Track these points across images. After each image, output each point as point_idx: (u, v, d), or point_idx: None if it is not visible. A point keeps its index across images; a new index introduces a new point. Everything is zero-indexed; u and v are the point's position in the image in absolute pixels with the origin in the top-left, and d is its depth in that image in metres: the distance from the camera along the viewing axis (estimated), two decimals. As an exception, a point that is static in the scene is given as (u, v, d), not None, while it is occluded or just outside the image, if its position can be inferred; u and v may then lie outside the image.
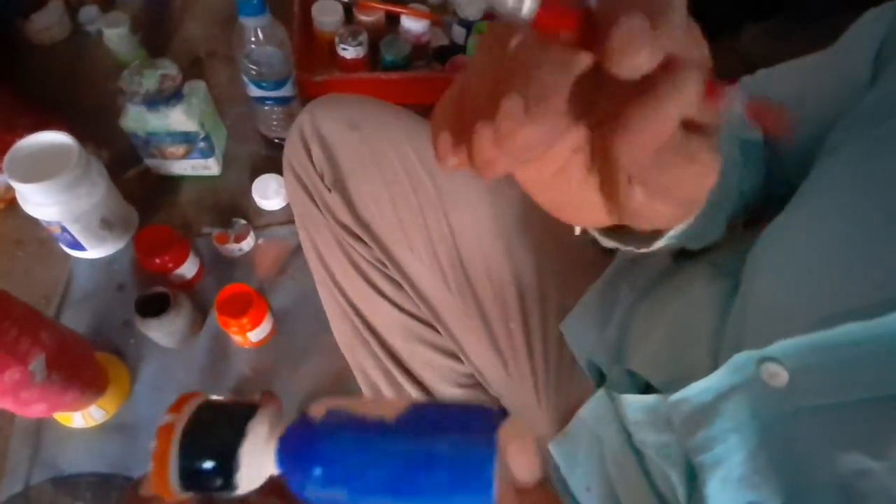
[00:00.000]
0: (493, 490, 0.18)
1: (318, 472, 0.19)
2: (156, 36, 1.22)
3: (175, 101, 0.87)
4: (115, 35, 1.12)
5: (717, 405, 0.32)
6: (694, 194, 0.23)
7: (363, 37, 1.05)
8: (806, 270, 0.31)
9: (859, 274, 0.28)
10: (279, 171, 0.80)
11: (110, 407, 0.81)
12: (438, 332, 0.59)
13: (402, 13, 1.09)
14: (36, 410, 0.65)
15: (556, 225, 0.65)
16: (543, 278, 0.56)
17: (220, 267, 0.95)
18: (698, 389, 0.33)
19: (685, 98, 0.19)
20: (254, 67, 0.88)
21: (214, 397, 0.23)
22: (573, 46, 0.19)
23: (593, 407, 0.45)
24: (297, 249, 0.97)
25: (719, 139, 0.22)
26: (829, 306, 0.28)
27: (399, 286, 0.59)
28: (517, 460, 0.19)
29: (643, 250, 0.34)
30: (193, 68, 1.18)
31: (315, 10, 1.10)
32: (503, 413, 0.20)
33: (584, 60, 0.19)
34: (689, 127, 0.21)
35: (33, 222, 0.86)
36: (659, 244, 0.33)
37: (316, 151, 0.58)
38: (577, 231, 0.41)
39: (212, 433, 0.20)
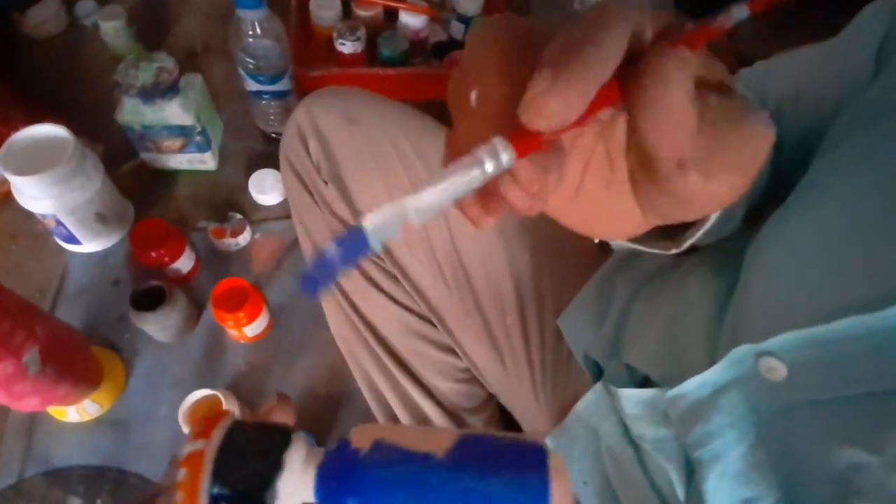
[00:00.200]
0: None
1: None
2: (152, 30, 1.22)
3: (171, 95, 0.87)
4: (112, 28, 1.11)
5: (714, 400, 0.32)
6: (753, 160, 0.22)
7: (361, 32, 1.05)
8: (805, 265, 0.31)
9: (859, 269, 0.28)
10: (276, 166, 0.80)
11: (105, 401, 0.81)
12: (435, 327, 0.59)
13: (400, 8, 1.09)
14: (29, 404, 0.64)
15: (553, 222, 0.65)
16: (540, 274, 0.56)
17: (217, 262, 0.95)
18: (696, 384, 0.33)
19: (677, 64, 0.19)
20: (251, 61, 0.87)
21: (240, 419, 0.21)
22: None
23: (590, 401, 0.44)
24: (294, 244, 0.97)
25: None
26: (828, 301, 0.28)
27: (396, 281, 0.59)
28: (555, 499, 0.19)
29: (674, 251, 0.34)
30: (190, 62, 1.18)
31: (313, 4, 1.10)
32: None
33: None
34: (717, 89, 0.20)
35: (28, 216, 0.86)
36: (691, 241, 0.33)
37: (313, 145, 0.58)
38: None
39: (246, 463, 0.19)
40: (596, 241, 0.39)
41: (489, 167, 0.19)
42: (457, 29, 1.12)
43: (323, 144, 0.57)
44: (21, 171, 0.75)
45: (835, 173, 0.32)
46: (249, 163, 1.05)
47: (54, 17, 1.18)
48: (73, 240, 0.90)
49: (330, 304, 0.64)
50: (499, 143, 0.19)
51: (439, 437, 0.19)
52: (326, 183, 0.58)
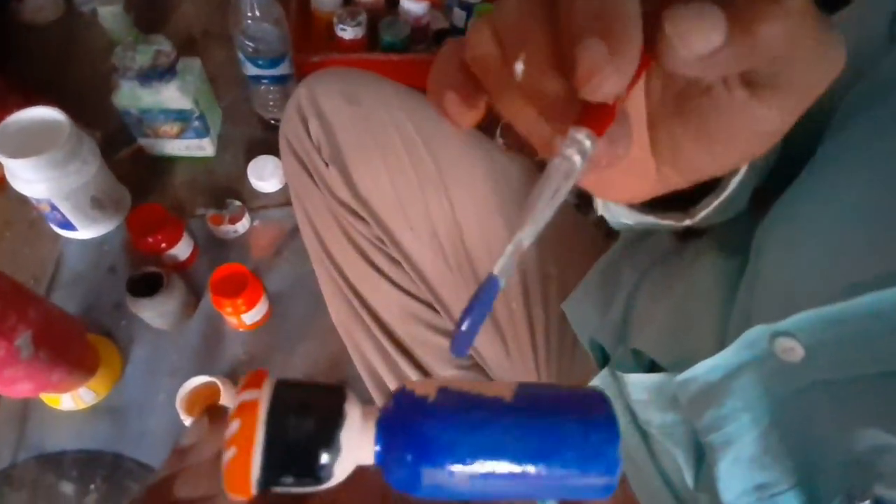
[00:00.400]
0: (619, 469, 0.16)
1: (432, 452, 0.16)
2: (150, 15, 1.20)
3: (169, 78, 0.85)
4: (109, 13, 1.10)
5: (727, 383, 0.31)
6: (816, 83, 0.21)
7: (362, 17, 1.03)
8: (819, 242, 0.30)
9: (875, 244, 0.27)
10: (275, 153, 0.79)
11: (101, 389, 0.80)
12: (437, 311, 0.58)
13: (402, -6, 1.07)
14: (22, 390, 0.63)
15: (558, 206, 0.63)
16: (545, 258, 0.55)
17: (215, 249, 0.94)
18: (706, 368, 0.31)
19: None
20: (250, 44, 0.86)
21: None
22: None
23: (596, 386, 0.43)
24: (294, 232, 0.95)
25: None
26: (844, 278, 0.27)
27: (398, 264, 0.58)
28: None
29: (687, 222, 0.32)
30: (189, 48, 1.16)
31: (314, -11, 1.08)
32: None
33: None
34: None
35: (23, 202, 0.85)
36: (706, 211, 0.31)
37: (313, 125, 0.57)
38: (599, 210, 0.40)
39: (304, 414, 0.17)
40: (599, 211, 0.37)
41: (578, 161, 0.18)
42: (458, 16, 1.11)
43: (324, 125, 0.56)
44: (16, 154, 0.74)
45: (849, 147, 0.31)
46: (248, 149, 1.03)
47: (52, 4, 1.17)
48: (68, 226, 0.88)
49: (330, 290, 0.63)
50: (579, 133, 0.18)
51: (498, 385, 0.18)
52: (327, 164, 0.57)
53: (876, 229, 0.27)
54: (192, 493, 0.17)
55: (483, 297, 0.18)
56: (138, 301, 0.75)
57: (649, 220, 0.33)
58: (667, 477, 0.38)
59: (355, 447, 0.17)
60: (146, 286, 0.76)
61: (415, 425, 0.17)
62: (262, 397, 0.17)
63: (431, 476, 0.16)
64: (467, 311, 0.17)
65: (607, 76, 0.17)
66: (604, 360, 0.47)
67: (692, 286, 0.40)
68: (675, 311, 0.40)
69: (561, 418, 0.17)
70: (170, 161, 1.01)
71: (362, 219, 0.57)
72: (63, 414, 0.79)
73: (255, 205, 0.98)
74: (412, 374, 0.59)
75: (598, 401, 0.18)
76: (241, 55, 0.89)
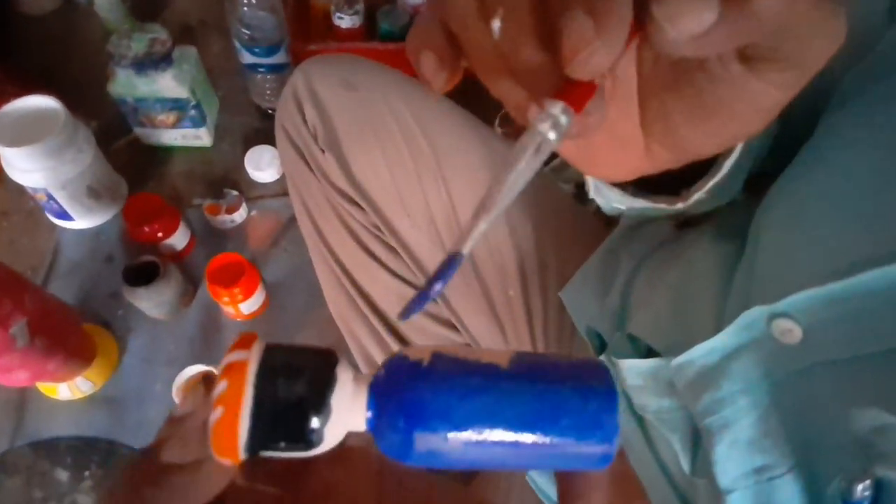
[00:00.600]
0: (617, 438, 0.16)
1: (428, 420, 0.16)
2: (147, 5, 1.19)
3: (165, 66, 0.85)
4: (106, 2, 1.09)
5: (724, 366, 0.31)
6: (817, 56, 0.20)
7: (360, 6, 1.02)
8: (818, 221, 0.29)
9: (874, 222, 0.26)
10: (273, 143, 0.78)
11: (97, 379, 0.79)
12: (435, 301, 0.57)
13: (400, -18, 1.06)
14: (18, 378, 0.63)
15: (555, 192, 0.63)
16: (542, 246, 0.55)
17: (212, 239, 0.94)
18: (704, 351, 0.31)
19: None
20: (246, 32, 0.85)
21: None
22: None
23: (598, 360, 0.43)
24: (291, 222, 0.95)
25: None
26: (842, 257, 0.27)
27: (394, 252, 0.57)
28: None
29: (679, 206, 0.32)
30: (185, 38, 1.15)
31: (311, -23, 1.07)
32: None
33: None
34: None
35: (20, 193, 0.84)
36: (699, 194, 0.31)
37: (309, 111, 0.56)
38: (591, 192, 0.39)
39: (295, 376, 0.16)
40: (590, 194, 0.36)
41: (553, 137, 0.18)
42: (458, 4, 1.10)
43: (320, 111, 0.56)
44: (11, 142, 0.74)
45: (850, 123, 0.30)
46: (246, 139, 1.03)
47: (49, -7, 1.16)
48: (64, 216, 0.88)
49: (327, 278, 0.62)
50: (554, 108, 0.17)
51: (495, 353, 0.17)
52: (323, 151, 0.56)
53: (875, 207, 0.27)
54: (180, 458, 0.17)
55: (444, 273, 0.17)
56: (135, 290, 0.75)
57: (641, 203, 0.33)
58: (663, 464, 0.38)
59: (346, 412, 0.17)
60: (143, 276, 0.76)
61: (407, 389, 0.16)
62: (252, 358, 0.16)
63: (424, 441, 0.16)
64: (431, 283, 0.17)
65: (592, 53, 0.16)
66: (601, 347, 0.47)
67: (689, 270, 0.40)
68: (671, 295, 0.40)
69: (558, 385, 0.16)
70: (166, 151, 1.01)
71: (359, 206, 0.56)
72: (60, 403, 0.78)
73: (253, 195, 0.98)
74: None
75: (598, 370, 0.17)
76: (237, 43, 0.89)
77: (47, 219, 0.92)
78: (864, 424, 0.24)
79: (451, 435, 0.16)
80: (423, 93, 0.58)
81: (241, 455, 0.16)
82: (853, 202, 0.28)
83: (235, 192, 0.93)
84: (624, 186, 0.35)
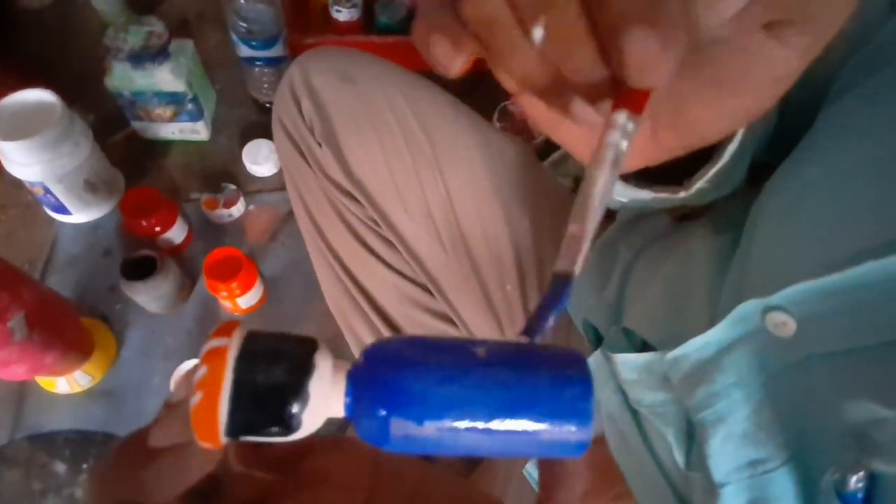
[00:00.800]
0: (592, 425, 0.16)
1: (402, 404, 0.16)
2: (144, -3, 1.19)
3: (161, 59, 0.84)
4: (102, -6, 1.08)
5: (718, 360, 0.31)
6: (833, 19, 0.19)
7: (358, -2, 1.02)
8: (812, 214, 0.29)
9: (868, 214, 0.26)
10: (271, 136, 0.78)
11: (96, 372, 0.79)
12: (432, 294, 0.58)
13: (398, -25, 1.06)
14: (16, 372, 0.63)
15: (553, 187, 0.63)
16: (540, 240, 0.55)
17: (210, 233, 0.93)
18: (698, 345, 0.31)
19: None
20: (243, 25, 0.85)
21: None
22: None
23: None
24: (289, 216, 0.95)
25: None
26: (837, 249, 0.26)
27: (392, 246, 0.57)
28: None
29: (682, 194, 0.31)
30: (182, 31, 1.15)
31: (308, -31, 1.07)
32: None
33: None
34: None
35: (17, 186, 0.84)
36: (701, 182, 0.30)
37: (306, 105, 0.56)
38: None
39: (273, 362, 0.17)
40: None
41: (625, 146, 0.18)
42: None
43: (316, 104, 0.55)
44: (8, 136, 0.73)
45: (849, 115, 0.30)
46: (243, 133, 1.03)
47: (45, -14, 1.15)
48: (62, 209, 0.88)
49: (325, 273, 0.62)
50: (621, 117, 0.18)
51: (472, 340, 0.18)
52: (320, 145, 0.56)
53: (870, 199, 0.26)
54: (165, 442, 0.17)
55: (558, 299, 0.18)
56: (132, 284, 0.75)
57: (643, 194, 0.33)
58: (658, 458, 0.38)
59: (325, 398, 0.17)
60: (140, 269, 0.76)
61: (384, 376, 0.16)
62: (232, 344, 0.17)
63: (400, 428, 0.16)
64: (542, 313, 0.18)
65: (658, 67, 0.16)
66: (597, 341, 0.47)
67: (684, 263, 0.40)
68: (666, 288, 0.39)
69: (534, 373, 0.17)
70: (164, 145, 1.00)
71: (356, 200, 0.56)
72: (59, 397, 0.79)
73: (251, 189, 0.98)
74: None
75: (574, 358, 0.17)
76: (234, 36, 0.88)
77: (45, 212, 0.91)
78: (858, 417, 0.24)
79: (428, 421, 0.16)
80: (420, 86, 0.58)
81: (222, 439, 0.16)
82: (848, 194, 0.28)
83: (233, 187, 0.93)
84: (626, 178, 0.35)
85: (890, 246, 0.23)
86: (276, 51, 0.91)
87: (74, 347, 0.73)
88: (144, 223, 0.83)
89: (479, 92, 0.73)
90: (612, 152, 0.18)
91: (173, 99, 0.90)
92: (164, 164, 1.00)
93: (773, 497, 0.28)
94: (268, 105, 1.02)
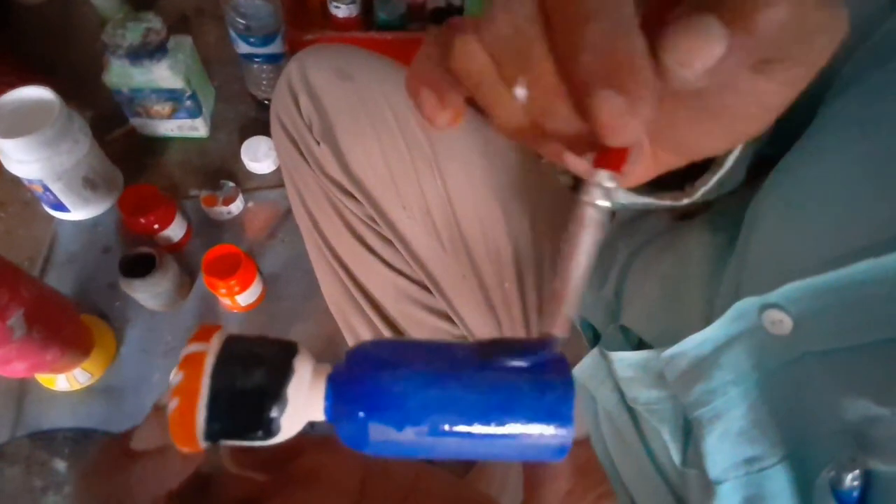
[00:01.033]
0: (573, 428, 0.16)
1: (381, 409, 0.16)
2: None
3: (160, 56, 0.84)
4: (100, -10, 1.08)
5: (715, 357, 0.31)
6: (821, 50, 0.20)
7: (357, -6, 1.02)
8: (811, 211, 0.29)
9: (867, 211, 0.26)
10: (269, 133, 0.78)
11: (96, 370, 0.80)
12: (431, 292, 0.58)
13: (397, -29, 1.05)
14: (16, 370, 0.63)
15: (552, 185, 0.63)
16: (539, 238, 0.55)
17: (209, 230, 0.93)
18: (696, 342, 0.31)
19: None
20: (241, 21, 0.84)
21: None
22: None
23: (587, 366, 0.43)
24: (288, 213, 0.95)
25: None
26: (835, 246, 0.26)
27: (391, 244, 0.57)
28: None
29: (685, 201, 0.32)
30: (181, 27, 1.14)
31: (307, -35, 1.06)
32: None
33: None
34: None
35: (16, 183, 0.84)
36: (706, 188, 0.31)
37: (304, 102, 0.56)
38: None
39: (252, 368, 0.17)
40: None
41: (607, 206, 0.18)
42: (455, -6, 1.09)
43: (314, 101, 0.55)
44: (7, 134, 0.73)
45: (849, 112, 0.30)
46: (242, 130, 1.02)
47: (43, -19, 1.15)
48: (61, 207, 0.88)
49: (323, 270, 0.62)
50: (601, 178, 0.18)
51: (454, 343, 0.18)
52: (319, 143, 0.56)
53: (867, 197, 0.26)
54: (147, 445, 0.17)
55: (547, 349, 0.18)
56: (131, 282, 0.75)
57: (646, 200, 0.33)
58: (654, 455, 0.38)
59: (304, 402, 0.17)
60: (139, 267, 0.76)
61: (362, 381, 0.17)
62: (210, 350, 0.17)
63: (379, 432, 0.16)
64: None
65: (626, 125, 0.16)
66: (595, 339, 0.47)
67: (682, 261, 0.40)
68: (663, 286, 0.39)
69: (515, 377, 0.17)
70: (163, 141, 1.00)
71: (354, 198, 0.56)
72: (59, 394, 0.79)
73: (249, 186, 0.98)
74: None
75: (556, 360, 0.17)
76: (232, 33, 0.88)
77: (44, 210, 0.91)
78: (854, 415, 0.24)
79: (407, 426, 0.16)
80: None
81: (201, 444, 0.16)
82: (846, 192, 0.28)
83: (232, 184, 0.93)
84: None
85: (887, 244, 0.23)
86: (275, 47, 0.91)
87: (74, 345, 0.73)
88: (143, 220, 0.83)
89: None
90: (592, 214, 0.18)
91: (172, 96, 0.90)
92: (162, 161, 1.00)
93: (770, 494, 0.28)
94: (267, 102, 1.02)
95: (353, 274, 0.60)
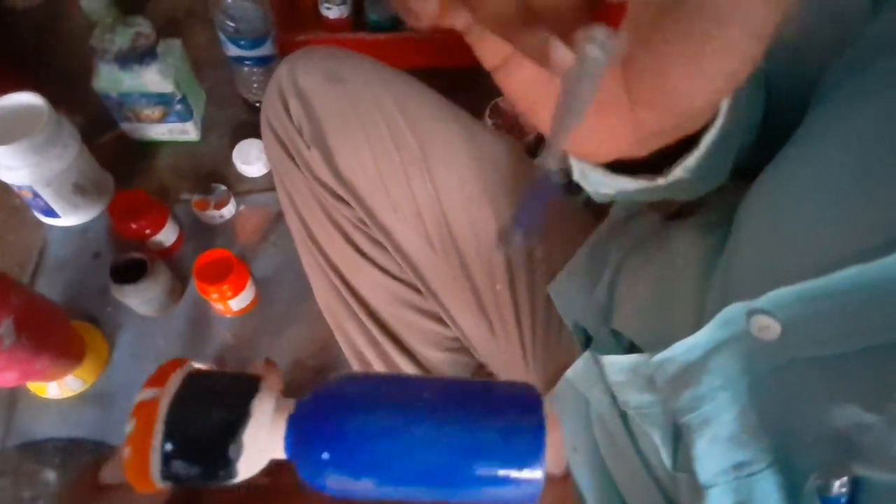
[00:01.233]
0: (542, 482, 0.16)
1: (339, 457, 0.16)
2: (131, -5, 1.17)
3: (149, 60, 0.83)
4: (89, -6, 1.07)
5: (704, 363, 0.31)
6: None
7: (347, -4, 1.01)
8: (797, 217, 0.29)
9: (853, 218, 0.26)
10: (261, 136, 0.77)
11: (88, 376, 0.79)
12: (422, 294, 0.57)
13: (387, -28, 1.05)
14: (6, 378, 0.63)
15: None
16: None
17: (201, 234, 0.93)
18: (685, 347, 0.31)
19: None
20: (230, 24, 0.84)
21: (201, 366, 0.18)
22: None
23: (579, 369, 0.43)
24: (280, 216, 0.95)
25: None
26: (821, 253, 0.26)
27: (382, 247, 0.57)
28: (550, 444, 0.17)
29: (660, 181, 0.31)
30: (170, 29, 1.14)
31: (296, -33, 1.06)
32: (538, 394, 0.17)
33: None
34: None
35: (5, 189, 0.83)
36: (680, 170, 0.30)
37: (294, 106, 0.56)
38: (575, 176, 0.39)
39: (207, 413, 0.16)
40: (574, 177, 0.36)
41: (603, 59, 0.17)
42: (446, -6, 1.09)
43: (305, 105, 0.55)
44: (-7, 140, 0.73)
45: (834, 117, 0.30)
46: (233, 133, 1.02)
47: (32, -14, 1.14)
48: (51, 213, 0.87)
49: (315, 274, 0.62)
50: (599, 32, 0.17)
51: (423, 383, 0.17)
52: (309, 146, 0.56)
53: (854, 203, 0.26)
54: (115, 479, 0.17)
55: (539, 194, 0.18)
56: (122, 288, 0.75)
57: (624, 182, 0.32)
58: (646, 459, 0.38)
59: (263, 444, 0.17)
60: (130, 272, 0.76)
61: (322, 424, 0.16)
62: (163, 396, 0.16)
63: (336, 482, 0.16)
64: (521, 209, 0.18)
65: None
66: (587, 342, 0.47)
67: (671, 265, 0.40)
68: (653, 290, 0.39)
69: (480, 424, 0.16)
70: (153, 146, 1.00)
71: (345, 202, 0.56)
72: (50, 402, 0.78)
73: (241, 189, 0.97)
74: (399, 358, 0.59)
75: (529, 403, 0.16)
76: (222, 36, 0.88)
77: (34, 216, 0.91)
78: (842, 421, 0.24)
79: (363, 477, 0.16)
80: (409, 85, 0.57)
81: (159, 486, 0.16)
82: (833, 198, 0.28)
83: (224, 187, 0.92)
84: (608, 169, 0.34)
85: (874, 251, 0.23)
86: (265, 50, 0.90)
87: (65, 352, 0.72)
88: (134, 226, 0.83)
89: (470, 89, 0.73)
90: (589, 65, 0.17)
91: (161, 100, 0.89)
92: (153, 166, 0.99)
93: (758, 499, 0.28)
94: (258, 104, 1.01)
95: (344, 278, 0.59)
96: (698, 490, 0.30)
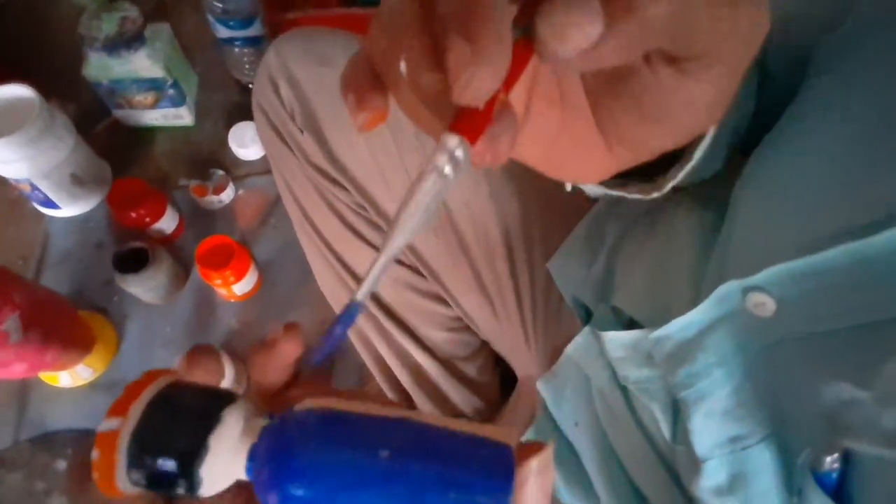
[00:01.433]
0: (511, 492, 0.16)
1: (295, 492, 0.16)
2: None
3: (137, 45, 0.82)
4: (73, -21, 1.05)
5: (700, 340, 0.31)
6: (745, 48, 0.20)
7: (336, -30, 0.99)
8: (793, 194, 0.29)
9: (846, 195, 0.26)
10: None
11: (98, 365, 0.80)
12: (424, 277, 0.58)
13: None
14: (16, 371, 0.64)
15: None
16: (528, 219, 0.54)
17: (201, 220, 0.93)
18: (681, 325, 0.31)
19: None
20: (219, 4, 0.82)
21: (171, 384, 0.18)
22: None
23: (579, 345, 0.44)
24: (278, 199, 0.94)
25: None
26: (816, 230, 0.26)
27: (381, 231, 0.57)
28: (536, 488, 0.16)
29: (655, 195, 0.31)
30: (158, 13, 1.12)
31: (283, -58, 1.03)
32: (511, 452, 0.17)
33: None
34: None
35: (3, 183, 0.83)
36: (674, 182, 0.30)
37: (285, 90, 0.55)
38: (569, 187, 0.39)
39: (167, 444, 0.17)
40: (568, 187, 0.36)
41: (449, 171, 0.18)
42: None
43: (296, 89, 0.54)
44: (-13, 134, 0.73)
45: (825, 95, 0.30)
46: (228, 116, 1.01)
47: (15, -28, 1.12)
48: (50, 204, 0.87)
49: (315, 258, 0.62)
50: (450, 141, 0.18)
51: (388, 431, 0.17)
52: (302, 131, 0.55)
53: (848, 181, 0.26)
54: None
55: (343, 320, 0.19)
56: (125, 277, 0.75)
57: (617, 194, 0.33)
58: (647, 431, 0.39)
59: (221, 478, 0.17)
60: (133, 261, 0.76)
61: (277, 458, 0.16)
62: (123, 427, 0.17)
63: None
64: (328, 333, 0.18)
65: (472, 77, 0.16)
66: (587, 317, 0.48)
67: (669, 241, 0.40)
68: (652, 267, 0.40)
69: (445, 483, 0.16)
70: (148, 132, 0.99)
71: (341, 185, 0.56)
72: (62, 391, 0.80)
73: (239, 173, 0.97)
74: (403, 339, 0.59)
75: (499, 458, 0.16)
76: (210, 17, 0.86)
77: (33, 208, 0.91)
78: (833, 398, 0.25)
79: None
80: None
81: (129, 493, 0.17)
82: (827, 176, 0.27)
83: (221, 172, 0.92)
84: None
85: (867, 228, 0.23)
86: (255, 30, 0.89)
87: (73, 343, 0.73)
88: (134, 214, 0.83)
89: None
90: (434, 181, 0.18)
91: (153, 85, 0.88)
92: (150, 152, 0.99)
93: (753, 472, 0.29)
94: (250, 86, 1.00)
95: (344, 261, 0.60)
96: (696, 462, 0.31)
